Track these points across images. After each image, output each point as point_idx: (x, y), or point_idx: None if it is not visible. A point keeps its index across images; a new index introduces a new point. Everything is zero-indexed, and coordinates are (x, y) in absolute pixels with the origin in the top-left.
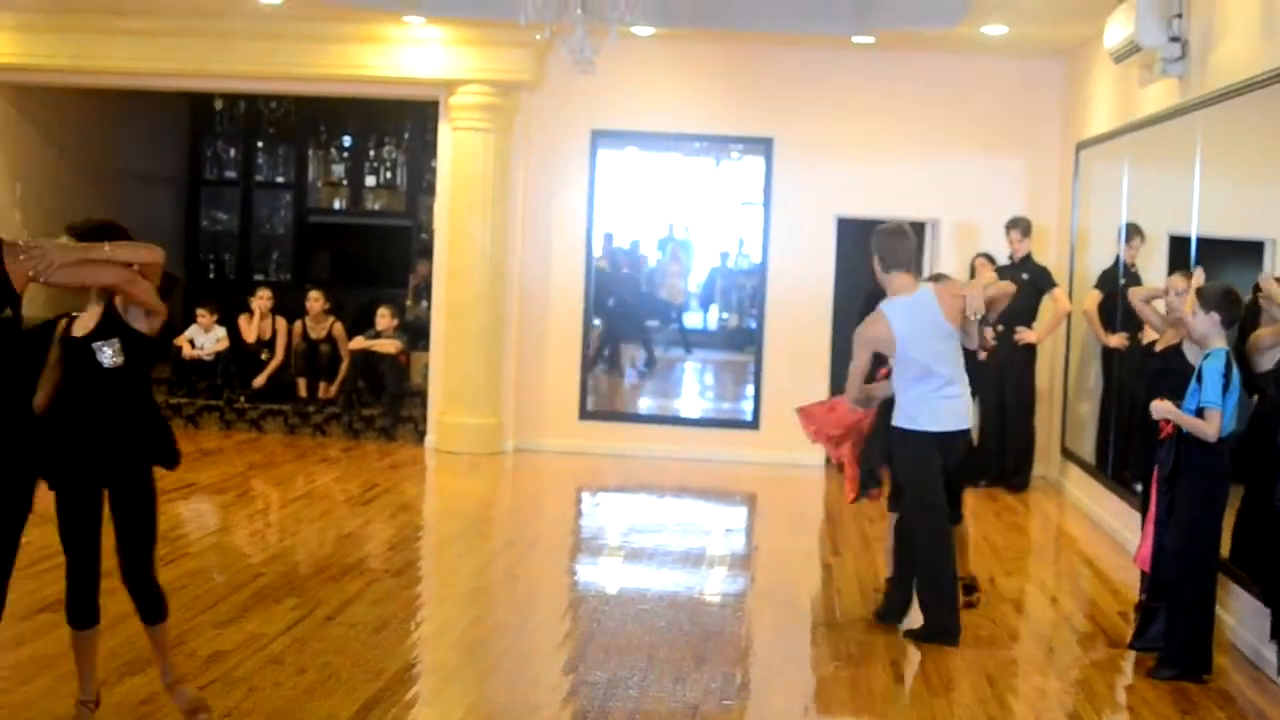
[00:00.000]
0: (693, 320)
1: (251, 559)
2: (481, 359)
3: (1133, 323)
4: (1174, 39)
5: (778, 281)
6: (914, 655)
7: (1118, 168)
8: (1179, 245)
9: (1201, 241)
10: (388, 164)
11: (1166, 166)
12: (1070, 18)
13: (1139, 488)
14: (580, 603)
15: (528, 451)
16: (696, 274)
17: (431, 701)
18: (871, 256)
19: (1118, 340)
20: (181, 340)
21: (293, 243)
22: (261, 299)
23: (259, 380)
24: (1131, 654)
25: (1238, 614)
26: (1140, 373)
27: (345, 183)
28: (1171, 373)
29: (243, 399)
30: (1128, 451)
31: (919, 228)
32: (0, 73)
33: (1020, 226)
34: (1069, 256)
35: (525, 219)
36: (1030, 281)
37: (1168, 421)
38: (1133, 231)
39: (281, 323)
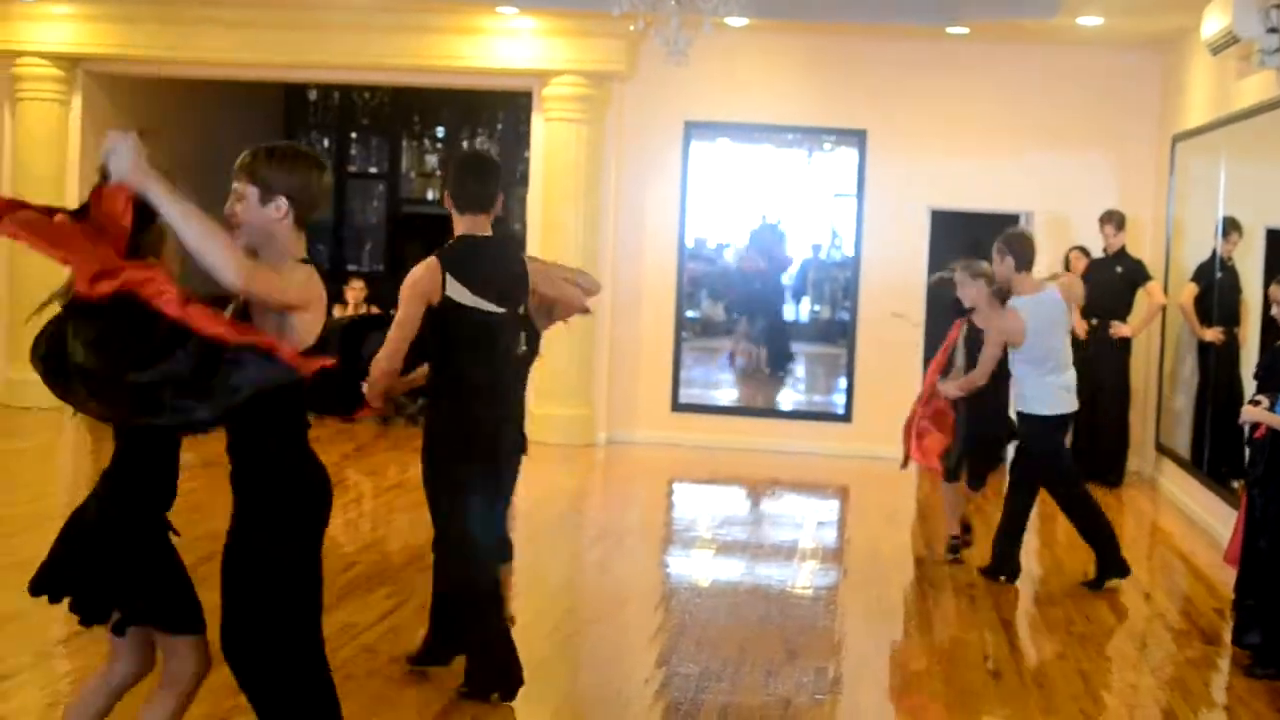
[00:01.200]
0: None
1: (345, 548)
2: (574, 350)
3: (1228, 316)
4: (1272, 30)
5: (870, 274)
6: (1007, 651)
7: (1215, 161)
8: (1277, 239)
9: None
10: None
11: (1265, 159)
12: (1166, 9)
13: (1235, 484)
14: (672, 595)
15: (619, 444)
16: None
17: (523, 693)
18: (1000, 255)
19: (1213, 334)
20: None
21: (386, 233)
22: (355, 289)
23: None
24: (1228, 651)
25: None
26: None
27: (439, 173)
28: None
29: None
30: (1223, 447)
31: (1012, 220)
32: (96, 64)
33: (1114, 220)
34: (1164, 250)
35: (617, 210)
36: (1124, 275)
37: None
38: (1230, 225)
39: (376, 313)
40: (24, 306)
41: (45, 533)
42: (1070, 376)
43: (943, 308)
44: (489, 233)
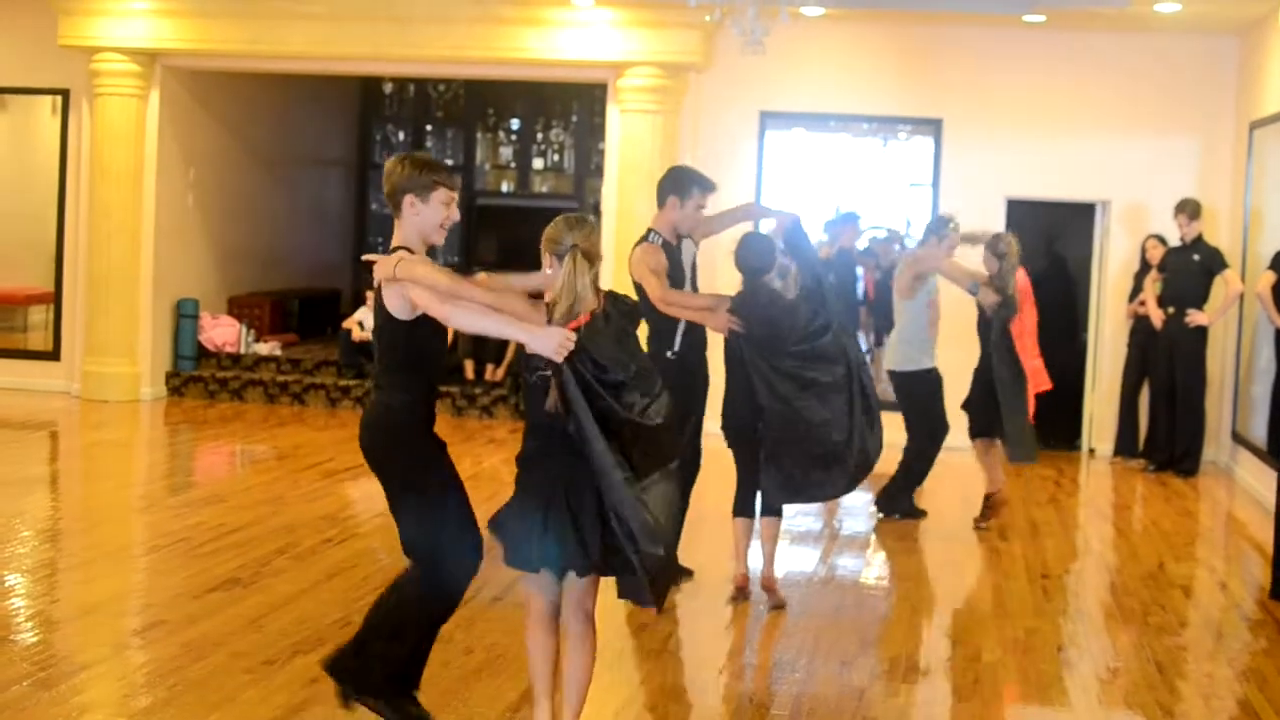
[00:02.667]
0: None
1: None
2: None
3: None
4: None
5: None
6: (1081, 641)
7: None
8: None
9: None
10: (555, 146)
11: None
12: None
13: None
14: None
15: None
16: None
17: (598, 682)
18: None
19: None
20: (350, 323)
21: (461, 225)
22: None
23: None
24: None
25: None
26: None
27: (513, 165)
28: None
29: None
30: None
31: (1089, 209)
32: (175, 58)
33: (1187, 210)
34: (1242, 238)
35: None
36: (1201, 263)
37: None
38: None
39: None
40: (100, 303)
41: (127, 525)
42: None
43: None
44: None
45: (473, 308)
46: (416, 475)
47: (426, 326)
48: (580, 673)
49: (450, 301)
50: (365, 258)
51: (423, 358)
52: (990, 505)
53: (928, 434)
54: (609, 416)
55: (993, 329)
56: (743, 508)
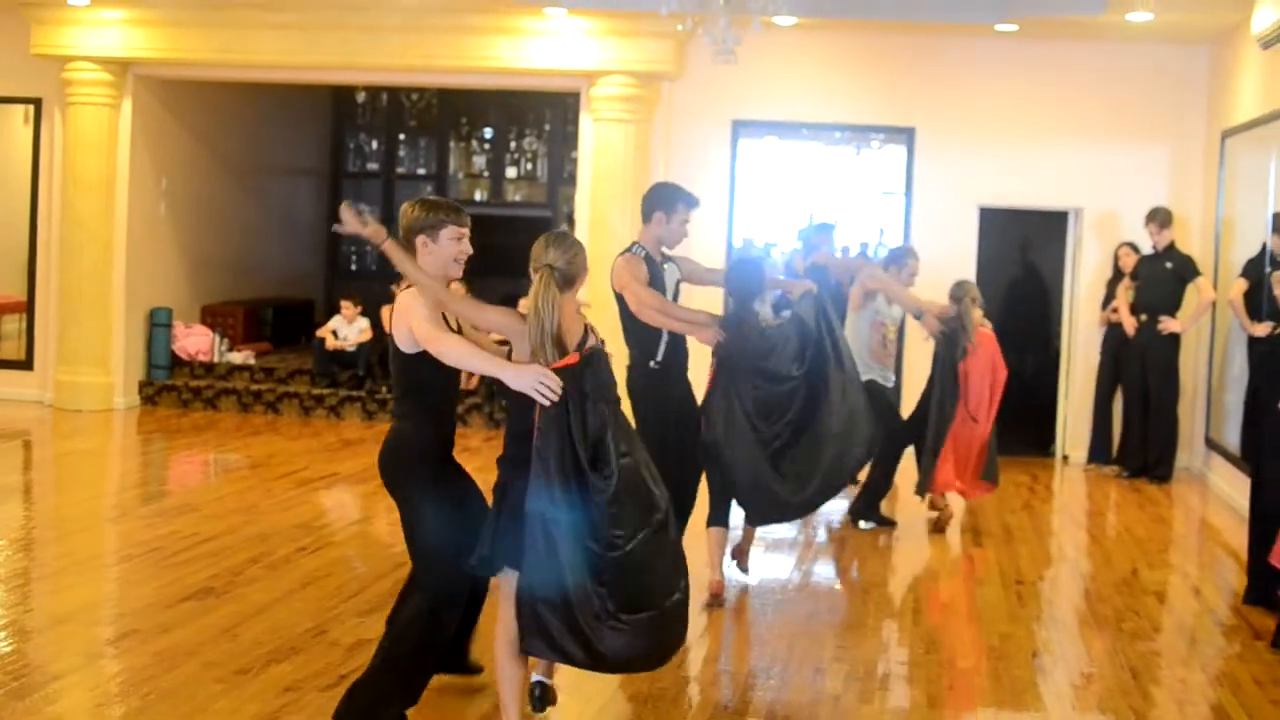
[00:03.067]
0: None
1: (393, 548)
2: (622, 347)
3: (1278, 311)
4: None
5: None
6: (1056, 648)
7: (1265, 156)
8: None
9: None
10: (528, 155)
11: None
12: (1217, 3)
13: None
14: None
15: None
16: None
17: (574, 691)
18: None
19: (1263, 329)
20: (324, 332)
21: None
22: (403, 290)
23: None
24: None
25: None
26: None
27: (486, 174)
28: (1278, 357)
29: (385, 389)
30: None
31: (1062, 217)
32: (147, 67)
33: (1158, 218)
34: (1214, 245)
35: None
36: (1173, 271)
37: None
38: None
39: None
40: (73, 312)
41: (100, 534)
42: None
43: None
44: None
45: (461, 347)
46: (420, 500)
47: (432, 359)
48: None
49: (441, 340)
50: (395, 288)
51: (430, 387)
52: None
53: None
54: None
55: (940, 365)
56: (717, 518)
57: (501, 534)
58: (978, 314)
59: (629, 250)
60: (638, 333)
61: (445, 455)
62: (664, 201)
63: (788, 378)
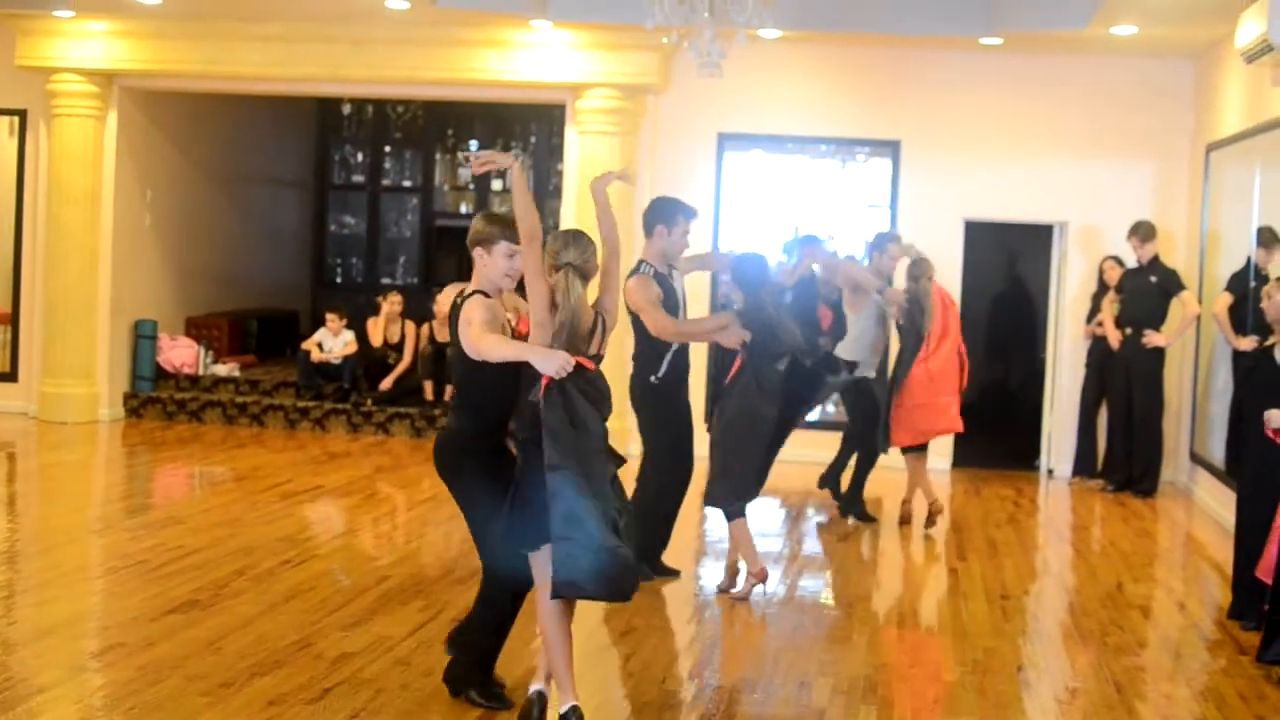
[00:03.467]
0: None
1: (378, 561)
2: (609, 361)
3: (1263, 325)
4: None
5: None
6: (1040, 662)
7: (1249, 170)
8: None
9: None
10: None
11: None
12: (1201, 17)
13: None
14: (705, 607)
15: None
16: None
17: (556, 705)
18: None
19: (1248, 343)
20: (309, 344)
21: (419, 246)
22: (391, 303)
23: (386, 383)
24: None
25: None
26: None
27: (472, 187)
28: (1263, 371)
29: (370, 402)
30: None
31: (1047, 230)
32: (132, 79)
33: (1140, 232)
34: (1199, 259)
35: None
36: (1158, 284)
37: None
38: (1267, 236)
39: (410, 326)
40: (58, 324)
41: (85, 547)
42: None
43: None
44: None
45: (494, 342)
46: (473, 492)
47: (492, 365)
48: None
49: (481, 341)
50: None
51: (488, 392)
52: (931, 512)
53: (865, 438)
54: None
55: (905, 335)
56: (739, 510)
57: (527, 518)
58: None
59: (637, 271)
60: (644, 351)
61: (495, 448)
62: (664, 215)
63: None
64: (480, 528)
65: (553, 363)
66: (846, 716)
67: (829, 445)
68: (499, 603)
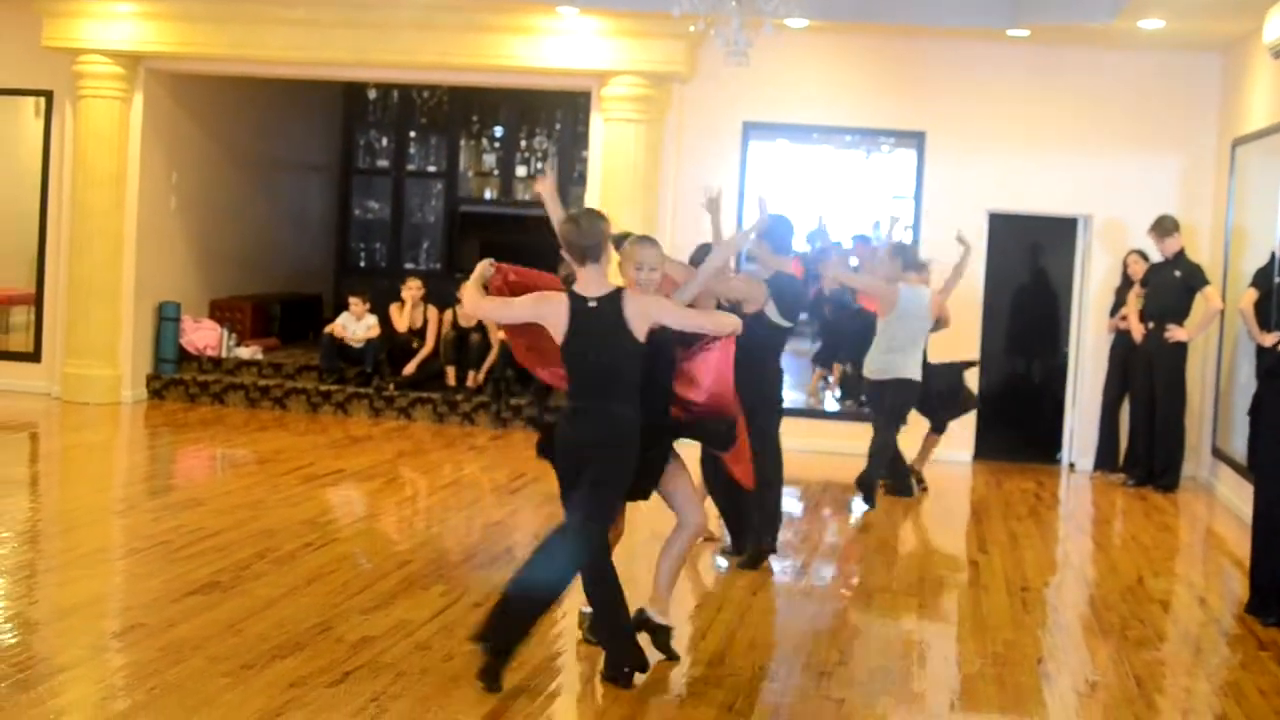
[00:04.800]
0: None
1: (399, 546)
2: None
3: None
4: None
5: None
6: (1060, 655)
7: (1276, 165)
8: None
9: None
10: (539, 154)
11: None
12: (1229, 11)
13: None
14: (724, 596)
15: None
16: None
17: (575, 691)
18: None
19: (1273, 339)
20: (333, 327)
21: (443, 232)
22: (412, 288)
23: (409, 368)
24: None
25: None
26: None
27: (496, 173)
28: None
29: (392, 387)
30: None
31: (1071, 224)
32: (158, 61)
33: (1158, 227)
34: (1223, 254)
35: (676, 210)
36: (1182, 279)
37: None
38: None
39: (433, 311)
40: (81, 305)
41: (107, 528)
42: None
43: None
44: None
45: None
46: (624, 476)
47: (653, 358)
48: None
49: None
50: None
51: (652, 381)
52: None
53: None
54: None
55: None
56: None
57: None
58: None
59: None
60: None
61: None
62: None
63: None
64: (612, 506)
65: (731, 324)
66: (865, 707)
67: (847, 435)
68: (610, 579)
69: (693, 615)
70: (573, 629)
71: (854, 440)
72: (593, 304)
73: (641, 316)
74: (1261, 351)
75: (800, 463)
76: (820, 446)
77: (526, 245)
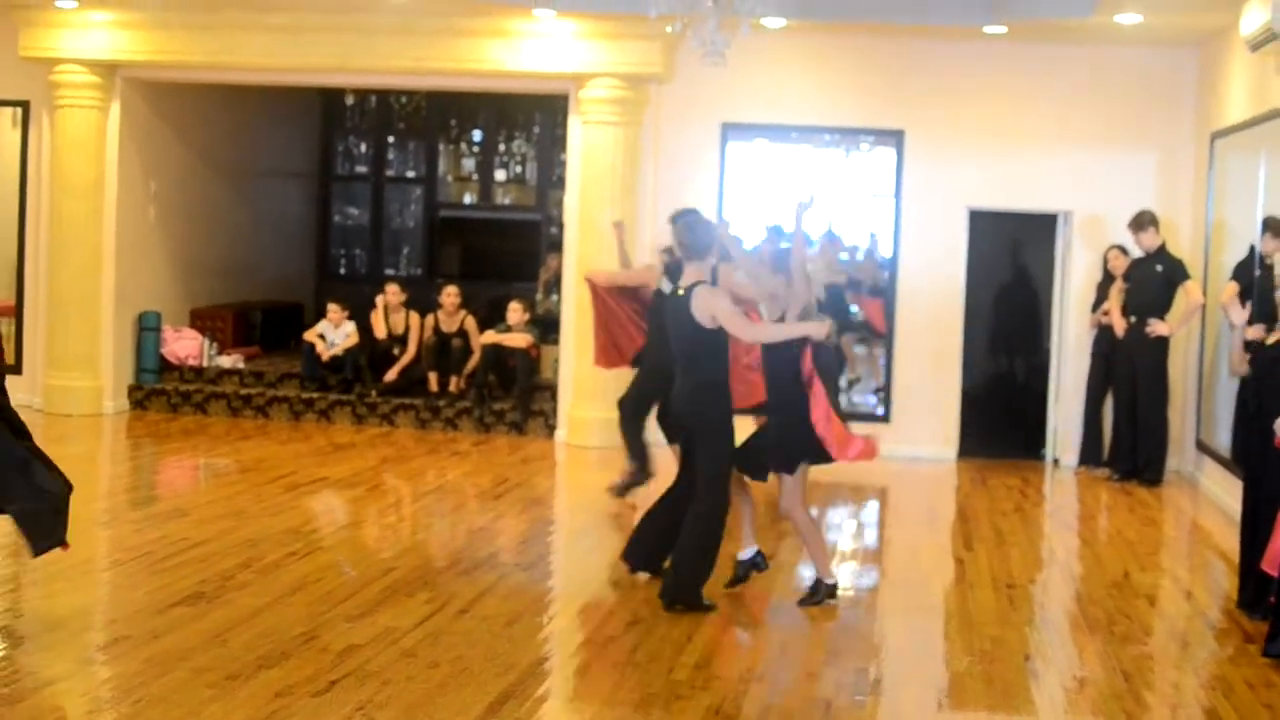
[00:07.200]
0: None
1: (383, 553)
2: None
3: (1269, 315)
4: None
5: (909, 274)
6: (1048, 651)
7: (1254, 158)
8: None
9: None
10: (517, 158)
11: None
12: (1205, 6)
13: None
14: (712, 597)
15: (663, 445)
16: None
17: (563, 695)
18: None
19: (1254, 332)
20: (311, 335)
21: (423, 237)
22: (392, 294)
23: (390, 375)
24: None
25: None
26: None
27: (475, 177)
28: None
29: (374, 394)
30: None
31: (1051, 220)
32: (135, 70)
33: (1136, 222)
34: (1203, 248)
35: (655, 212)
36: (1164, 274)
37: None
38: (1273, 225)
39: (414, 317)
40: (62, 316)
41: (90, 539)
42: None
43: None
44: None
45: (758, 329)
46: (728, 428)
47: (723, 332)
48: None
49: (747, 329)
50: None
51: (725, 351)
52: None
53: None
54: None
55: None
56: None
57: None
58: None
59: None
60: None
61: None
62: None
63: None
64: (725, 462)
65: (822, 329)
66: (853, 706)
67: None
68: (719, 525)
69: (680, 617)
70: (561, 631)
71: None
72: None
73: (706, 306)
74: (1249, 345)
75: None
76: None
77: (506, 250)
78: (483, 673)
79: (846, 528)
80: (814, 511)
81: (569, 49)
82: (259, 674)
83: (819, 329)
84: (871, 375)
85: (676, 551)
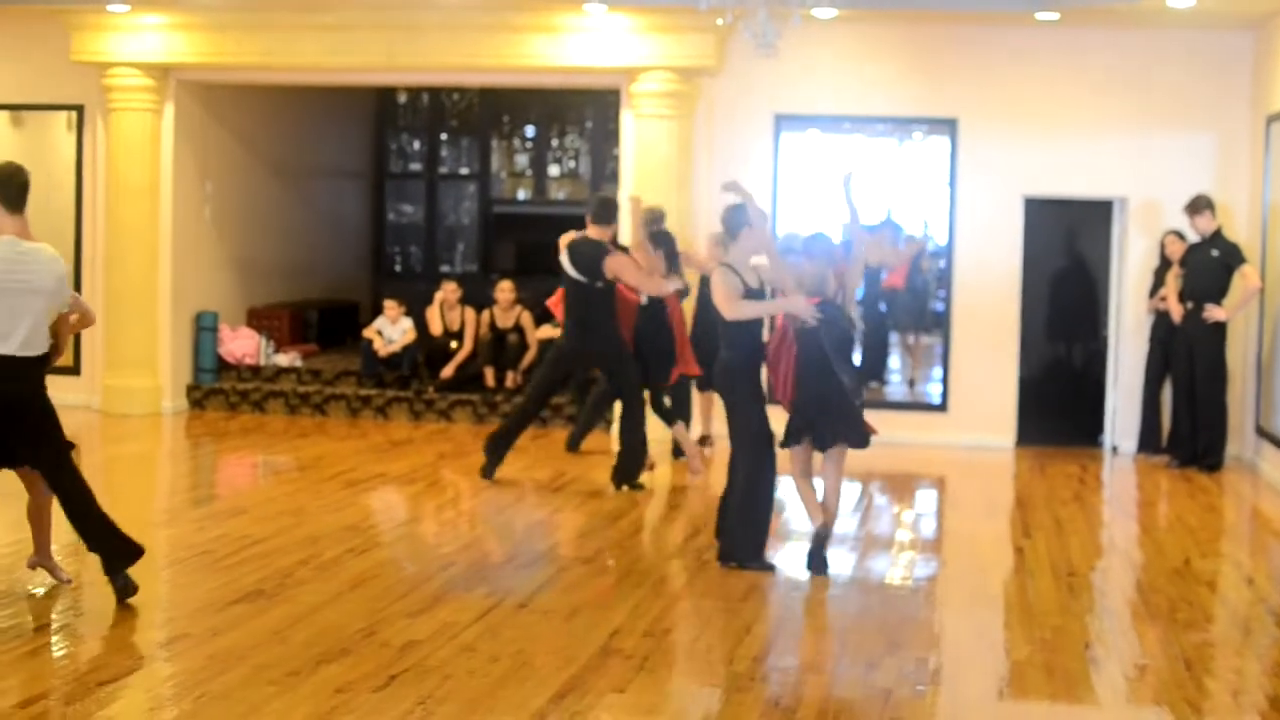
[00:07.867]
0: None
1: (442, 548)
2: None
3: None
4: None
5: (964, 263)
6: (1109, 639)
7: None
8: None
9: None
10: (571, 153)
11: None
12: None
13: None
14: (771, 588)
15: (723, 436)
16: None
17: (624, 687)
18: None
19: None
20: (370, 332)
21: (478, 233)
22: (448, 291)
23: (447, 371)
24: None
25: None
26: None
27: (529, 173)
28: None
29: (431, 390)
30: None
31: (1107, 206)
32: (188, 72)
33: (1191, 206)
34: (1260, 232)
35: (709, 204)
36: (1220, 258)
37: None
38: None
39: (470, 313)
40: (119, 318)
41: (151, 538)
42: None
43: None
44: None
45: (739, 305)
46: (752, 396)
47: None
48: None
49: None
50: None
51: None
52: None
53: None
54: None
55: None
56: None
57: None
58: None
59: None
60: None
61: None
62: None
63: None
64: (751, 418)
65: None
66: (914, 697)
67: (901, 426)
68: (755, 492)
69: (739, 608)
70: (621, 624)
71: (899, 430)
72: None
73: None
74: None
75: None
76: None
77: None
78: (543, 666)
79: (905, 517)
80: (868, 498)
81: (620, 43)
82: (319, 670)
83: (799, 306)
84: (910, 366)
85: (729, 513)
